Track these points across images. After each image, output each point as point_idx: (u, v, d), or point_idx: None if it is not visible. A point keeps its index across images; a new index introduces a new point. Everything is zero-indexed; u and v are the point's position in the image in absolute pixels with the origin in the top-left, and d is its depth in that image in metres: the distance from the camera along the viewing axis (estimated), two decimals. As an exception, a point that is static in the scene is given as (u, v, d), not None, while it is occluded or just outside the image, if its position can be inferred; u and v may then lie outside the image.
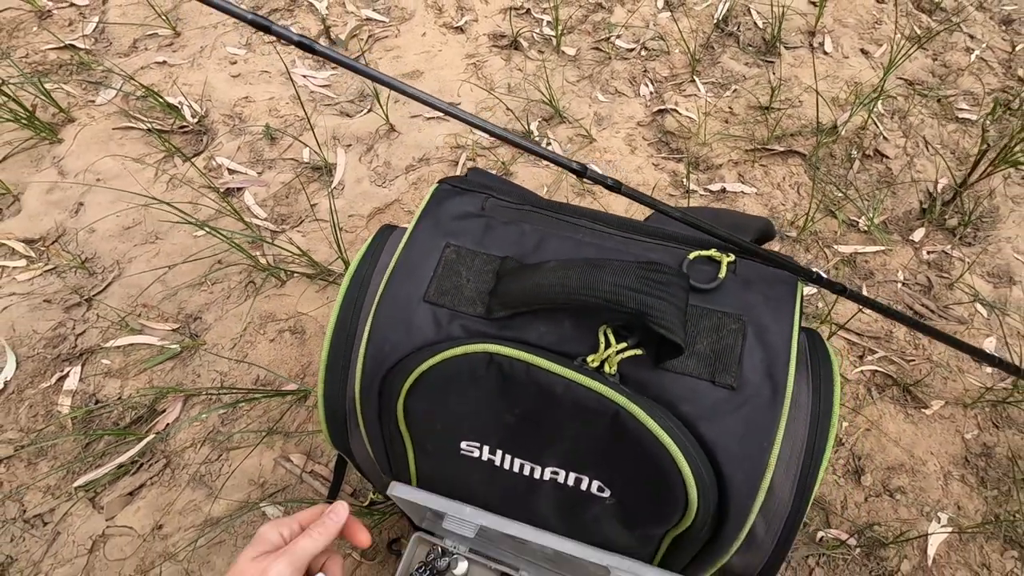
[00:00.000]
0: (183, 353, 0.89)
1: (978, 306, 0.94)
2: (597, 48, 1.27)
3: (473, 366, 0.43)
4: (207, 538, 0.75)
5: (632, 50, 1.27)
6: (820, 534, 0.76)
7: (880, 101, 1.16)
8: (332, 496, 0.72)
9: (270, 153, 1.11)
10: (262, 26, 0.34)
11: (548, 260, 0.46)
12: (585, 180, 0.44)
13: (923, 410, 0.85)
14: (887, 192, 1.06)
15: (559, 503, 0.46)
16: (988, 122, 1.13)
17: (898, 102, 1.18)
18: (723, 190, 1.06)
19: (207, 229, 0.93)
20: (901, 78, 1.22)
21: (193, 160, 1.10)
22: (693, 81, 1.21)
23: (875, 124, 1.14)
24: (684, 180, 1.07)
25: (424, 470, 0.50)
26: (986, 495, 0.79)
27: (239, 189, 1.07)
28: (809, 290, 0.95)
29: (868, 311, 0.92)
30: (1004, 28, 1.31)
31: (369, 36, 1.30)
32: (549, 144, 1.12)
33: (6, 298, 0.94)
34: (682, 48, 1.26)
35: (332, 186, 1.07)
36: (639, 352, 0.43)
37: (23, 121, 1.09)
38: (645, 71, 1.23)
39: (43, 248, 1.00)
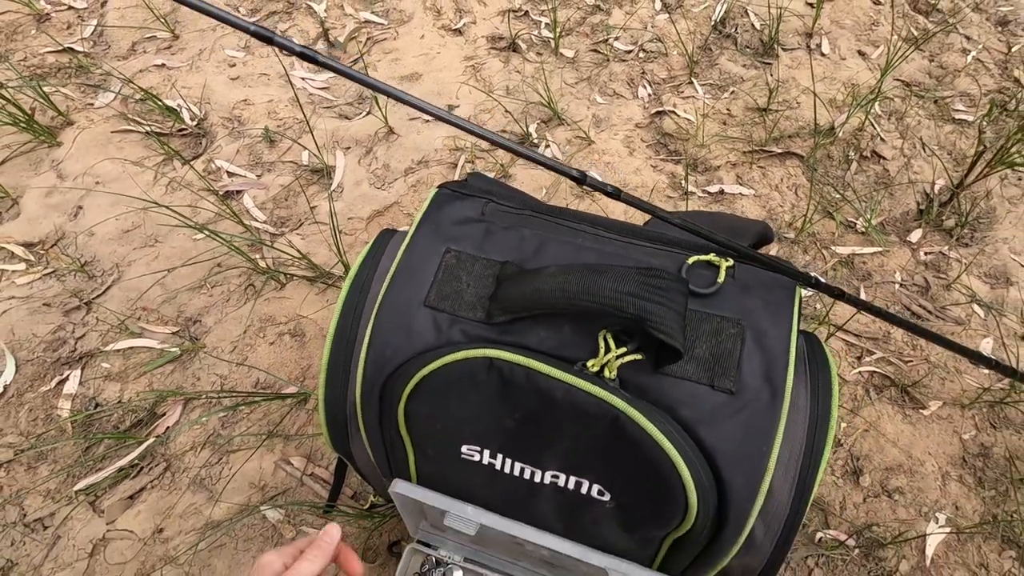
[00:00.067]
0: (183, 356, 0.89)
1: (975, 307, 0.94)
2: (595, 50, 1.28)
3: (473, 371, 0.43)
4: (208, 541, 0.75)
5: (630, 52, 1.27)
6: (819, 535, 0.77)
7: (877, 102, 1.16)
8: (333, 499, 0.72)
9: (269, 156, 1.11)
10: (265, 37, 0.34)
11: (548, 265, 0.46)
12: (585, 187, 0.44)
13: (921, 411, 0.85)
14: (884, 193, 1.06)
15: (559, 506, 0.47)
16: (984, 123, 1.14)
17: (895, 103, 1.18)
18: (721, 192, 1.06)
19: (206, 232, 0.93)
20: (898, 79, 1.22)
21: (192, 163, 1.10)
22: (691, 83, 1.21)
23: (872, 125, 1.14)
24: (682, 182, 1.07)
25: (425, 474, 0.50)
26: (984, 495, 0.80)
27: (238, 192, 1.07)
28: (807, 292, 0.95)
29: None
30: (1000, 29, 1.32)
31: (368, 39, 1.30)
32: (548, 146, 1.13)
33: (5, 302, 0.94)
34: (680, 50, 1.26)
35: (331, 189, 1.07)
36: (639, 357, 0.43)
37: (22, 124, 1.09)
38: (643, 73, 1.23)
39: (42, 252, 1.00)
